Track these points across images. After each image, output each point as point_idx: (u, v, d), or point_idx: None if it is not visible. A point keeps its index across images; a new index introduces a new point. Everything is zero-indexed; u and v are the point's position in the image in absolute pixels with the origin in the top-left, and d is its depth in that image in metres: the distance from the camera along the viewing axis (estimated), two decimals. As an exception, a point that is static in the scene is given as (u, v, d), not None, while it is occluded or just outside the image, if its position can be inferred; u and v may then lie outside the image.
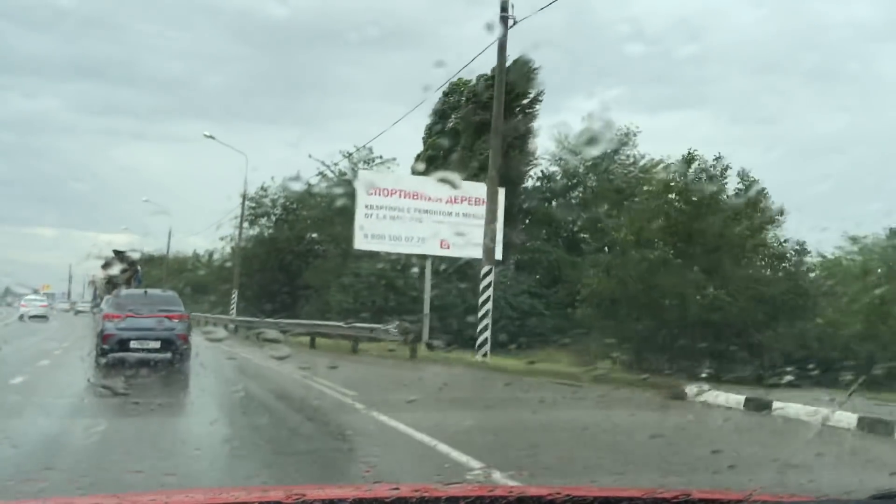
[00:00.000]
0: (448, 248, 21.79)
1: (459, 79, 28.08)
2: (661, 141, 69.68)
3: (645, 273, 16.02)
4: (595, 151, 30.06)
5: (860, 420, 8.71)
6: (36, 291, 57.04)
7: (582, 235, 31.67)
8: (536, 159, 31.18)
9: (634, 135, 31.76)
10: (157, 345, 14.87)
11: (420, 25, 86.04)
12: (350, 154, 34.25)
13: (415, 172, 28.49)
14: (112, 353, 14.76)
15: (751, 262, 17.01)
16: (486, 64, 30.13)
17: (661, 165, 30.31)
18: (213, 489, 3.05)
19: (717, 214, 16.40)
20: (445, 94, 30.16)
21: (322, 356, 19.30)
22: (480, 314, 17.42)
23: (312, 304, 30.88)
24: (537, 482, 5.24)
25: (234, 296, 34.78)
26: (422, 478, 5.86)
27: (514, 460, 6.27)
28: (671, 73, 68.98)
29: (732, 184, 17.58)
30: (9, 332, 28.29)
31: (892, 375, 11.97)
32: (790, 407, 9.34)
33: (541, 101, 29.62)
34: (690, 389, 10.24)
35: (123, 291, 19.05)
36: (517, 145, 28.39)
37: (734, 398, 10.23)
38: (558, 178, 31.90)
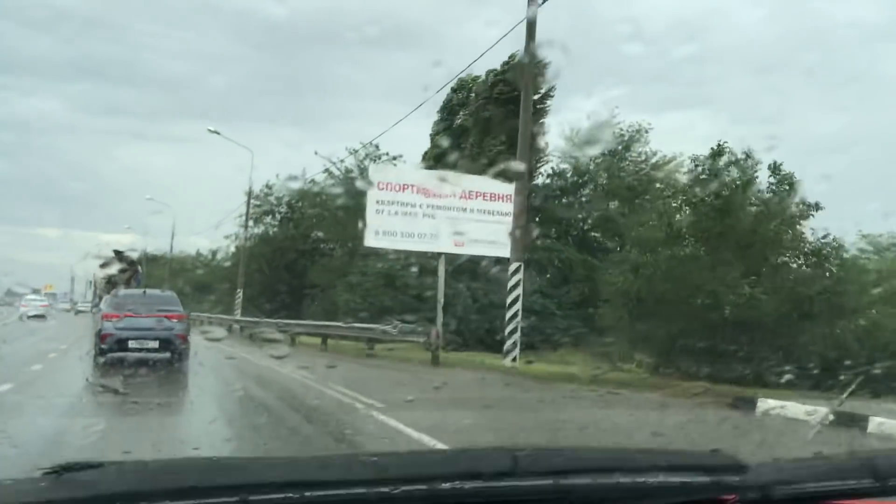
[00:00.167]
0: (462, 245, 20.87)
1: (468, 74, 27.36)
2: (661, 141, 68.73)
3: (675, 270, 15.16)
4: (605, 148, 29.40)
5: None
6: (37, 291, 56.90)
7: (593, 234, 30.91)
8: (547, 156, 30.48)
9: (646, 132, 30.99)
10: (155, 344, 14.99)
11: (420, 25, 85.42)
12: (356, 150, 33.52)
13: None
14: (111, 352, 14.81)
15: (788, 259, 16.15)
16: (494, 60, 29.46)
17: (674, 162, 29.76)
18: None
19: (750, 208, 15.59)
20: (453, 90, 29.38)
21: (337, 359, 18.39)
22: (509, 315, 16.38)
23: (319, 303, 30.15)
24: None
25: (239, 295, 33.93)
26: None
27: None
28: (671, 72, 68.41)
29: (763, 177, 16.75)
30: (7, 331, 27.75)
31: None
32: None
33: (552, 96, 28.91)
34: (763, 402, 9.20)
35: (122, 291, 19.03)
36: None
37: (811, 409, 8.56)
38: (569, 175, 31.07)
